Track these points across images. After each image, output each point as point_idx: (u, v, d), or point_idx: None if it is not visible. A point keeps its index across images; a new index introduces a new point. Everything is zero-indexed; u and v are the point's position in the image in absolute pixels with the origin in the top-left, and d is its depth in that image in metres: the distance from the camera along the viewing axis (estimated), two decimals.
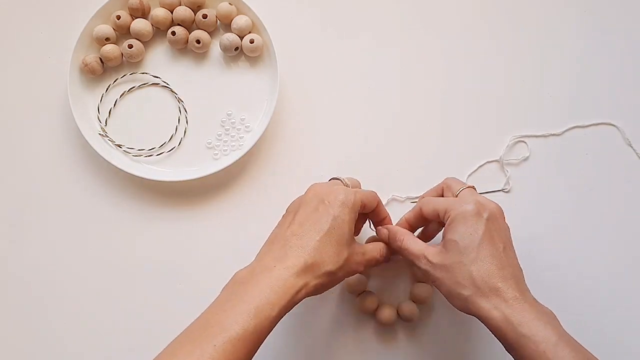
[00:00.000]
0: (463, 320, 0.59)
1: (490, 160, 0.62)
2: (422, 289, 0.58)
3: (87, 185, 0.62)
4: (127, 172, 0.59)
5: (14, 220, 0.62)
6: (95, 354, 0.60)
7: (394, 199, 0.61)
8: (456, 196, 0.51)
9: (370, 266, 0.53)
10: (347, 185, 0.53)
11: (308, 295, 0.47)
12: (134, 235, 0.61)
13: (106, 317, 0.60)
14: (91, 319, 0.60)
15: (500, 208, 0.50)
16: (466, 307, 0.47)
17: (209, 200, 0.61)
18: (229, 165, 0.59)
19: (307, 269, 0.46)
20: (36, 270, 0.61)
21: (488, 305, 0.46)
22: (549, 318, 0.46)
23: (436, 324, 0.59)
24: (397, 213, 0.57)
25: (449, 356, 0.59)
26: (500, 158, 0.61)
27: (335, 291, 0.60)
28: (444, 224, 0.50)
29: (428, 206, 0.52)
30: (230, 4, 0.61)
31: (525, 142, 0.62)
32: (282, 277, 0.45)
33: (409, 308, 0.57)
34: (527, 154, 0.62)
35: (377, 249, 0.53)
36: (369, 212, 0.53)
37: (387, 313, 0.57)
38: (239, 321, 0.43)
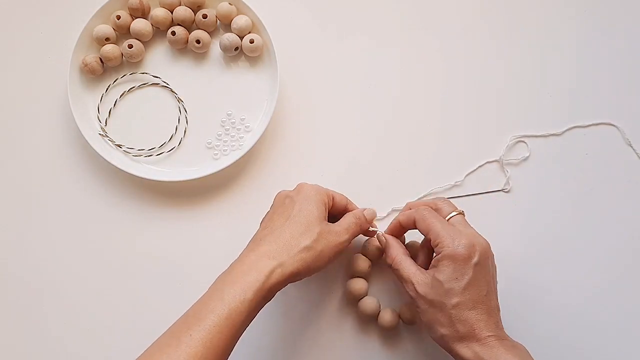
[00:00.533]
0: None
1: (490, 160, 0.62)
2: None
3: (87, 185, 0.62)
4: (127, 172, 0.59)
5: (13, 220, 0.62)
6: (95, 354, 0.60)
7: (394, 211, 0.61)
8: (447, 220, 0.52)
9: (353, 232, 0.52)
10: None
11: (291, 275, 0.47)
12: (134, 235, 0.61)
13: (106, 317, 0.60)
14: (91, 318, 0.60)
15: (490, 247, 0.51)
16: (441, 343, 0.49)
17: (209, 200, 0.61)
18: (229, 165, 0.59)
19: (280, 250, 0.47)
20: (36, 270, 0.61)
21: (461, 346, 0.48)
22: (519, 351, 0.47)
23: None
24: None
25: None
26: (500, 158, 0.61)
27: (336, 297, 0.60)
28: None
29: (423, 223, 0.52)
30: (230, 4, 0.61)
31: (525, 142, 0.62)
32: (253, 261, 0.47)
33: (410, 311, 0.57)
34: (527, 154, 0.62)
35: (350, 216, 0.53)
36: (342, 212, 0.54)
37: (388, 317, 0.57)
38: (213, 309, 0.44)
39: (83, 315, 0.60)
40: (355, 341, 0.59)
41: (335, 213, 0.55)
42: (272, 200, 0.54)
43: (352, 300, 0.59)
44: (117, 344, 0.60)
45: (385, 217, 0.60)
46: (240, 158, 0.59)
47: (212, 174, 0.59)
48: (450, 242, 0.49)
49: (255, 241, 0.50)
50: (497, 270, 0.52)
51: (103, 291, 0.61)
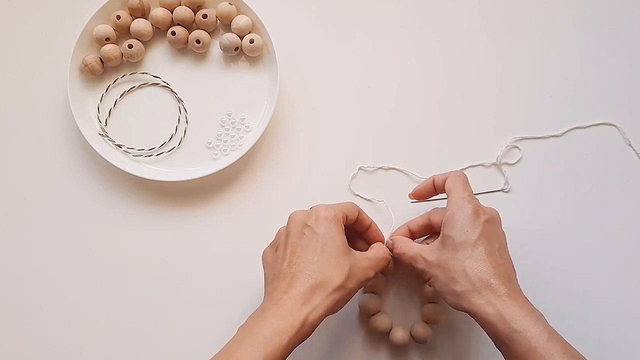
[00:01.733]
0: (476, 342, 0.59)
1: (490, 160, 0.62)
2: (433, 309, 0.57)
3: (87, 185, 0.62)
4: (127, 172, 0.59)
5: (13, 220, 0.62)
6: (95, 353, 0.60)
7: (361, 170, 0.61)
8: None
9: (381, 269, 0.52)
10: None
11: (322, 316, 0.47)
12: (134, 235, 0.61)
13: (106, 317, 0.60)
14: (91, 318, 0.60)
15: (499, 215, 0.51)
16: (458, 304, 0.48)
17: (209, 200, 0.61)
18: (229, 165, 0.59)
19: (314, 291, 0.46)
20: (36, 270, 0.61)
21: (481, 301, 0.46)
22: (540, 316, 0.47)
23: (449, 346, 0.59)
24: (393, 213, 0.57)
25: None
26: (500, 159, 0.61)
27: (348, 312, 0.59)
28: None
29: (438, 215, 0.53)
30: (230, 3, 0.61)
31: (525, 143, 0.62)
32: (289, 306, 0.46)
33: (422, 329, 0.56)
34: (527, 155, 0.62)
35: (382, 249, 0.53)
36: (354, 223, 0.54)
37: (400, 334, 0.56)
38: (250, 353, 0.43)
39: (83, 315, 0.60)
40: (366, 356, 0.58)
41: (355, 227, 0.55)
42: (303, 191, 0.54)
43: (365, 316, 0.59)
44: (117, 344, 0.60)
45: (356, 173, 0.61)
46: (240, 158, 0.59)
47: (212, 174, 0.59)
48: (458, 204, 0.50)
49: (286, 280, 0.47)
50: None
51: (103, 291, 0.61)
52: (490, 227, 0.49)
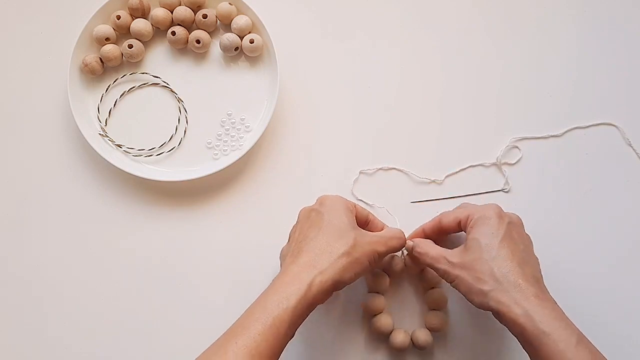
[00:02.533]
0: (477, 353, 0.58)
1: (490, 160, 0.62)
2: (436, 317, 0.57)
3: (87, 185, 0.62)
4: (127, 172, 0.59)
5: (13, 220, 0.62)
6: (95, 353, 0.60)
7: (362, 173, 0.61)
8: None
9: (392, 247, 0.52)
10: None
11: (330, 281, 0.47)
12: (134, 235, 0.61)
13: (106, 316, 0.60)
14: (91, 318, 0.60)
15: (521, 219, 0.52)
16: (486, 303, 0.47)
17: (209, 200, 0.61)
18: (229, 165, 0.59)
19: (318, 258, 0.48)
20: (36, 270, 0.61)
21: (509, 301, 0.46)
22: (569, 320, 0.46)
23: (449, 355, 0.58)
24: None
25: None
26: (500, 159, 0.61)
27: (352, 310, 0.59)
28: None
29: (449, 216, 0.54)
30: (230, 3, 0.61)
31: (525, 143, 0.62)
32: (295, 271, 0.47)
33: (423, 336, 0.56)
34: (527, 155, 0.62)
35: (394, 230, 0.54)
36: (362, 223, 0.55)
37: (401, 338, 0.56)
38: (258, 318, 0.45)
39: (82, 315, 0.60)
40: (366, 356, 0.58)
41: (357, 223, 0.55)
42: (304, 191, 0.56)
43: (368, 316, 0.59)
44: (117, 344, 0.60)
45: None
46: (240, 158, 0.59)
47: (212, 174, 0.59)
48: (480, 209, 0.51)
49: (293, 254, 0.49)
50: None
51: (102, 290, 0.61)
52: (514, 228, 0.51)
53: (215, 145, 0.62)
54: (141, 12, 0.61)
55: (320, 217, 0.51)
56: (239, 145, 0.61)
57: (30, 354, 0.60)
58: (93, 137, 0.60)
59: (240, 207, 0.61)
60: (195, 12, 0.62)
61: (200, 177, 0.59)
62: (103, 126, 0.62)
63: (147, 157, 0.62)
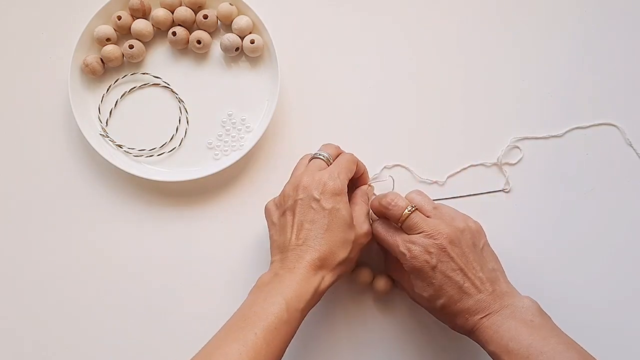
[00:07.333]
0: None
1: (491, 160, 0.62)
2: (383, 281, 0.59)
3: (88, 186, 0.62)
4: (127, 173, 0.59)
5: (14, 220, 0.62)
6: (95, 353, 0.60)
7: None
8: (402, 223, 0.52)
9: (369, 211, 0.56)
10: (327, 161, 0.55)
11: (329, 286, 0.51)
12: (134, 235, 0.61)
13: (105, 316, 0.60)
14: (91, 318, 0.60)
15: (452, 232, 0.51)
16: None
17: (209, 200, 0.61)
18: (230, 166, 0.59)
19: (322, 263, 0.50)
20: (36, 269, 0.61)
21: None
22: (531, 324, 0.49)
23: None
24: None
25: None
26: (500, 159, 0.61)
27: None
28: None
29: (379, 229, 0.55)
30: (230, 4, 0.61)
31: (525, 143, 0.62)
32: (303, 274, 0.49)
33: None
34: (528, 155, 0.62)
35: (362, 193, 0.57)
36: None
37: (382, 283, 0.58)
38: (274, 312, 0.46)
39: (83, 315, 0.60)
40: (353, 309, 0.60)
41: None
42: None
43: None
44: (117, 344, 0.60)
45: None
46: (240, 158, 0.59)
47: (213, 174, 0.59)
48: (407, 257, 0.51)
49: (293, 249, 0.51)
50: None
51: (103, 290, 0.61)
52: (446, 265, 0.50)
53: (216, 146, 0.62)
54: (142, 13, 0.61)
55: (323, 214, 0.51)
56: (240, 146, 0.61)
57: (30, 354, 0.60)
58: (94, 138, 0.60)
59: (240, 207, 0.61)
60: (196, 12, 0.62)
61: (201, 178, 0.59)
62: (104, 126, 0.62)
63: (148, 158, 0.62)
